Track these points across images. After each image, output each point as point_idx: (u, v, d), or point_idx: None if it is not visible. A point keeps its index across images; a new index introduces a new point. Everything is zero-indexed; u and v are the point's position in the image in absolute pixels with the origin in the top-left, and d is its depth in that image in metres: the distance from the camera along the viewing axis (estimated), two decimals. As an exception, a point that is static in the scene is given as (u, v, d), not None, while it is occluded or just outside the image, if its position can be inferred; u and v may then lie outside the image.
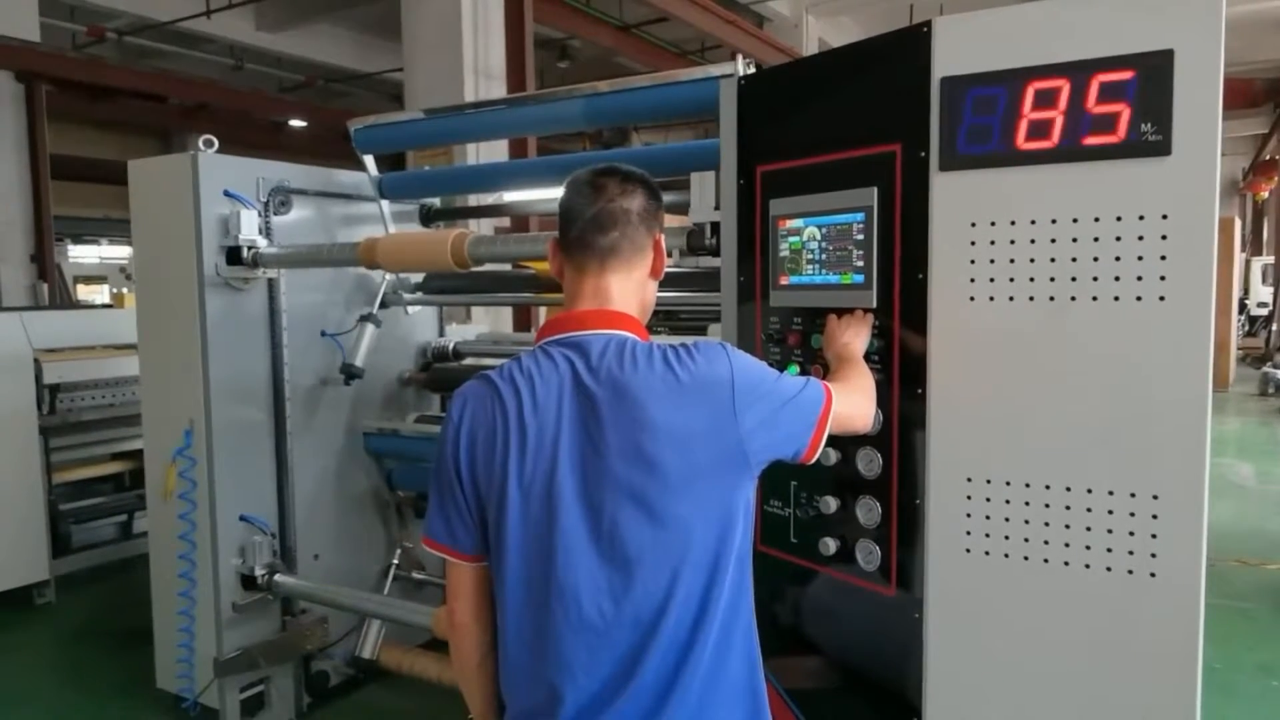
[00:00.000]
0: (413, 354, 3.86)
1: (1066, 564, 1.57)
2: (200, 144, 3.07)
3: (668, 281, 1.81)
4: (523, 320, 6.23)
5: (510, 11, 6.33)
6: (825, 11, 11.43)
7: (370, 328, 3.44)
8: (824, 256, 1.83)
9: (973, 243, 1.60)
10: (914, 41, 1.63)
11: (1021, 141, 1.55)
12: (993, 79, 1.56)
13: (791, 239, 1.90)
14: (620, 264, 1.40)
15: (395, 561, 3.68)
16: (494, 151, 6.19)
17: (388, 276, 3.60)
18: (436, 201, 3.86)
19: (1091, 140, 1.49)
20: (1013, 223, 1.57)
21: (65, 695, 3.66)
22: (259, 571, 3.18)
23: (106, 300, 14.87)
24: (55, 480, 4.63)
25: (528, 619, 1.31)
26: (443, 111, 3.13)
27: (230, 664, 3.13)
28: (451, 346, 3.83)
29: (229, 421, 3.16)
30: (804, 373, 1.94)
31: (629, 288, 1.41)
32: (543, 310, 4.52)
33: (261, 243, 3.14)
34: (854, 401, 1.56)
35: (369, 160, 3.40)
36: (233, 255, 3.10)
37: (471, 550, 1.39)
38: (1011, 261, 1.57)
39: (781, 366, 1.92)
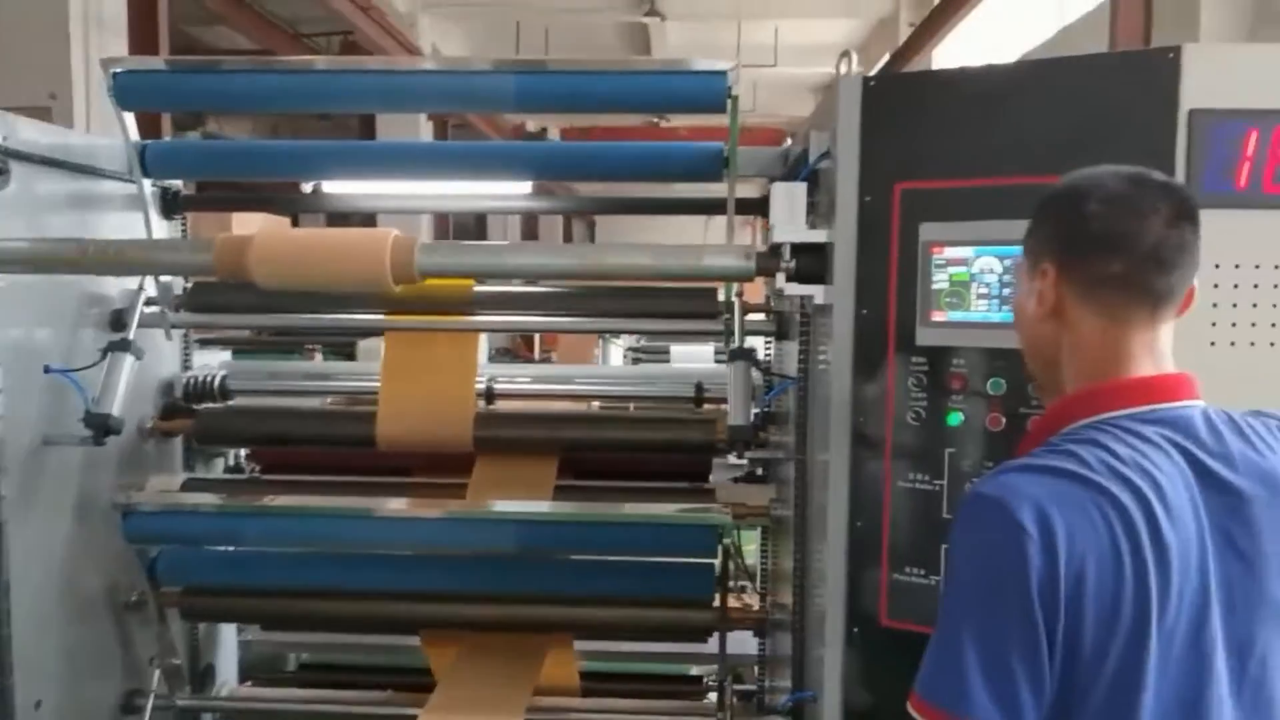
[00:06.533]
0: (152, 393, 2.79)
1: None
2: None
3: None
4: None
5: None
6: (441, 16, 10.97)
7: (128, 359, 2.41)
8: (1007, 292, 1.64)
9: (1215, 285, 1.54)
10: (1159, 67, 1.52)
11: (1271, 184, 1.52)
12: (1246, 116, 1.51)
13: (954, 270, 1.68)
14: (1171, 312, 1.10)
15: (154, 689, 2.61)
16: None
17: (145, 289, 2.56)
18: (179, 184, 2.85)
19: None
20: (1257, 266, 1.54)
21: None
22: (-24, 754, 2.03)
23: None
24: None
25: None
26: (282, 67, 2.30)
27: None
28: (218, 381, 2.83)
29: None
30: (967, 421, 1.75)
31: (1169, 340, 1.11)
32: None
33: (-16, 233, 2.01)
34: None
35: (130, 121, 2.39)
36: (-73, 250, 1.94)
37: None
38: (1254, 306, 1.54)
39: (936, 413, 1.70)
